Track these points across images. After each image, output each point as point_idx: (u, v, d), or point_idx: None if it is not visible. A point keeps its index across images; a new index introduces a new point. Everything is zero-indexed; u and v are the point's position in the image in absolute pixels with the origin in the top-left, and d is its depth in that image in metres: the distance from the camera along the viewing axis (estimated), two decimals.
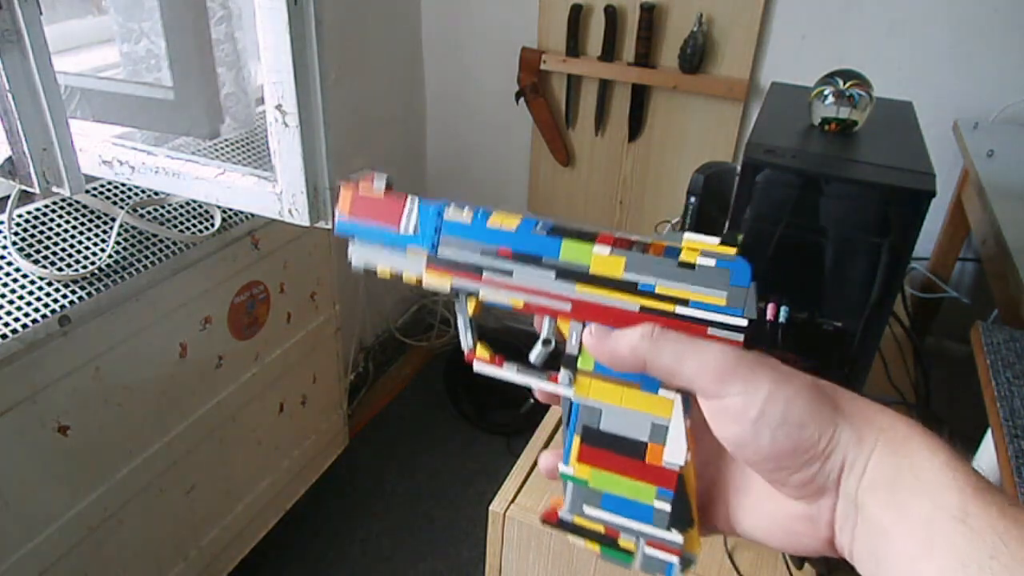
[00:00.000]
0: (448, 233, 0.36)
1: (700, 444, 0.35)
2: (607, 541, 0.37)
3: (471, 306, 0.37)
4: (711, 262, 0.34)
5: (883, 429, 0.30)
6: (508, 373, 0.38)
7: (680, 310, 0.34)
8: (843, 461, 0.30)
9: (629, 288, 0.34)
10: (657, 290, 0.34)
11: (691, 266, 0.34)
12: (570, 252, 0.35)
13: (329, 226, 0.95)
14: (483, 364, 0.38)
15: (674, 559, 0.36)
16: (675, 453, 0.35)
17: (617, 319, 0.35)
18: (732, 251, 0.34)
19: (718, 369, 0.31)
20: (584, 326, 0.35)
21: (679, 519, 0.35)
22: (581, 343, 0.36)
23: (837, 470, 0.30)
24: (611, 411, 0.36)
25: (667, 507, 0.35)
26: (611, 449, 0.36)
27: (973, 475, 0.28)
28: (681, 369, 0.32)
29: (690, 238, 0.34)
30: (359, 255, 0.38)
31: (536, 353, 0.37)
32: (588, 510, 0.37)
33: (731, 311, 0.34)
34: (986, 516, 0.27)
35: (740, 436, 0.31)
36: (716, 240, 0.34)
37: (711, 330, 0.34)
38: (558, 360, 0.37)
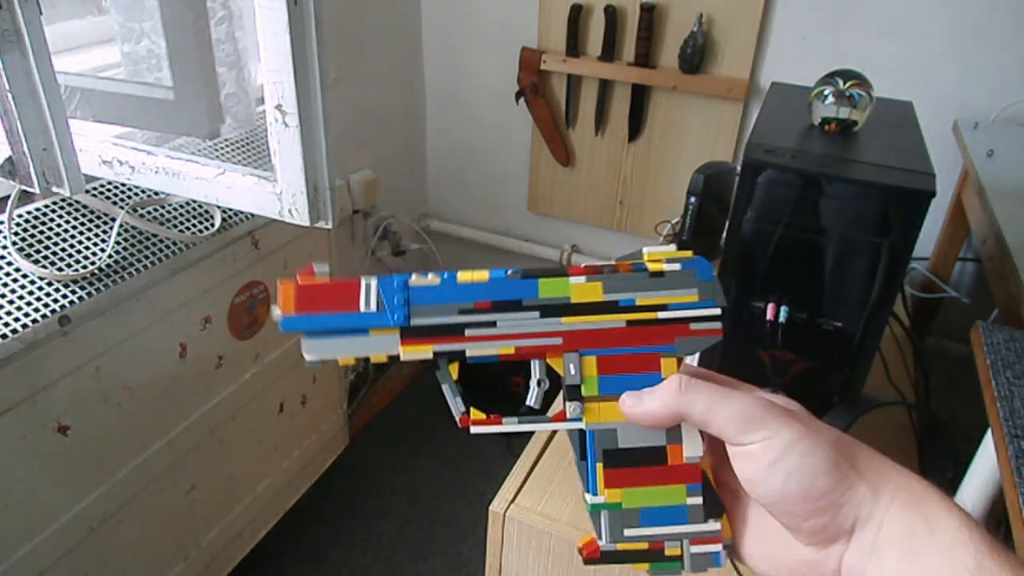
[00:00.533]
0: (418, 301, 0.36)
1: (722, 467, 0.37)
2: (654, 556, 0.37)
3: (453, 371, 0.37)
4: (676, 267, 0.37)
5: (900, 487, 0.32)
6: (510, 427, 0.38)
7: (662, 315, 0.37)
8: (857, 514, 0.32)
9: (611, 308, 0.36)
10: (638, 302, 0.37)
11: (661, 274, 0.37)
12: (548, 288, 0.36)
13: (329, 225, 0.95)
14: (481, 426, 0.38)
15: (718, 547, 0.37)
16: (693, 447, 0.37)
17: (608, 339, 0.36)
18: (689, 253, 0.38)
19: (745, 418, 0.33)
20: (580, 355, 0.36)
21: (712, 508, 0.37)
22: (582, 371, 0.36)
23: (850, 522, 0.32)
24: (625, 428, 0.37)
25: (699, 500, 0.37)
26: (635, 464, 0.37)
27: (987, 535, 0.30)
28: (713, 419, 0.34)
29: (649, 251, 0.38)
30: (315, 349, 0.35)
31: (533, 396, 0.38)
32: (629, 532, 0.37)
33: (705, 304, 0.37)
34: (1000, 574, 0.28)
35: (756, 476, 0.33)
36: (672, 248, 0.38)
37: (695, 325, 0.37)
38: (552, 397, 0.38)
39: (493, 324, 0.36)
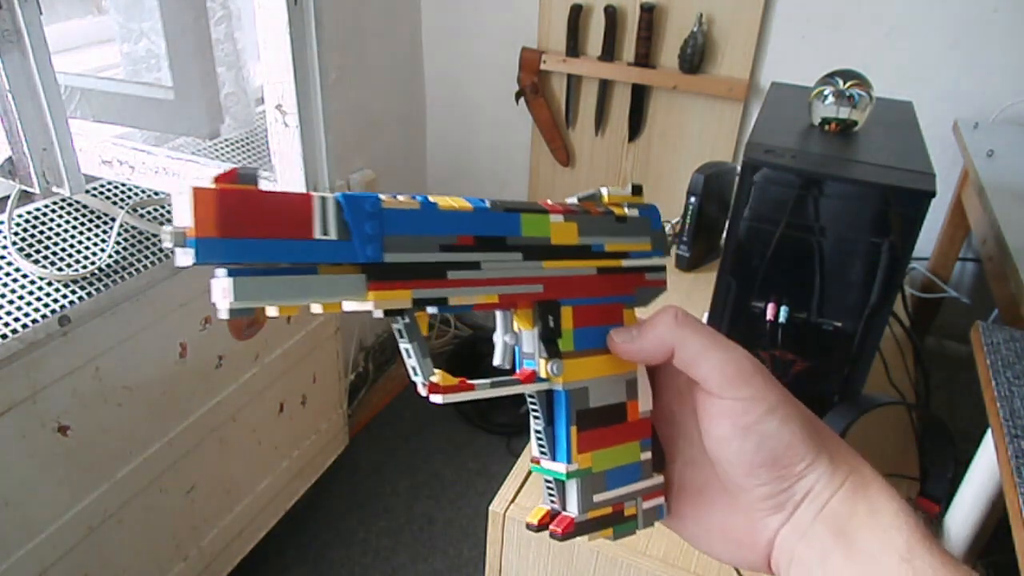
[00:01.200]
0: (394, 229, 0.27)
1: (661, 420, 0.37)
2: (616, 519, 0.35)
3: (424, 323, 0.29)
4: (635, 212, 0.36)
5: (853, 469, 0.32)
6: (482, 392, 0.31)
7: (625, 263, 0.35)
8: (810, 488, 0.32)
9: (585, 253, 0.34)
10: (607, 248, 0.34)
11: (624, 219, 0.35)
12: (531, 226, 0.32)
13: None
14: (448, 394, 0.30)
15: (661, 500, 0.36)
16: (647, 400, 0.35)
17: (582, 288, 0.33)
18: (643, 199, 0.36)
19: (736, 370, 0.32)
20: (553, 305, 0.33)
21: (658, 461, 0.36)
22: (559, 324, 0.33)
23: (802, 494, 0.32)
24: (596, 384, 0.34)
25: (649, 455, 0.35)
26: (602, 424, 0.34)
27: (922, 526, 0.31)
28: (702, 362, 0.32)
29: (609, 192, 0.36)
30: (244, 292, 0.24)
31: (500, 353, 0.34)
32: (598, 498, 0.34)
33: (656, 253, 0.36)
34: (930, 560, 0.29)
35: (728, 433, 0.32)
36: (628, 191, 0.36)
37: (649, 275, 0.36)
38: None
39: (477, 266, 0.30)
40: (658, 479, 0.35)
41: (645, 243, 0.36)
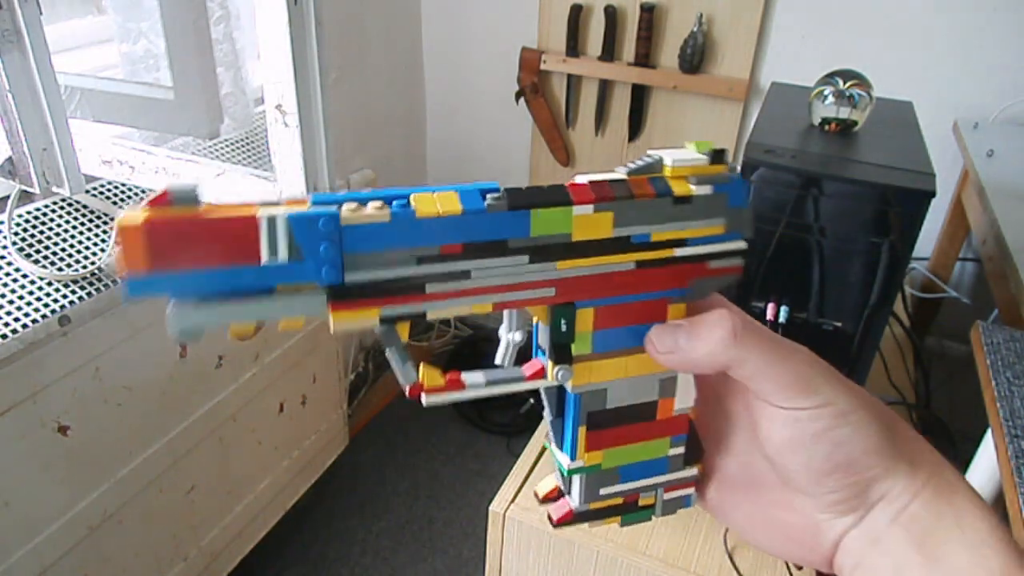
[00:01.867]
0: (358, 247, 0.24)
1: (707, 410, 0.33)
2: (627, 508, 0.33)
3: (404, 331, 0.27)
4: (707, 189, 0.29)
5: (934, 472, 0.29)
6: (475, 391, 0.29)
7: (679, 252, 0.29)
8: (887, 492, 0.29)
9: (621, 246, 0.28)
10: (653, 238, 0.29)
11: (687, 199, 0.29)
12: (544, 223, 0.27)
13: None
14: (437, 395, 0.28)
15: (691, 491, 0.33)
16: (686, 398, 0.32)
17: (611, 285, 0.29)
18: (724, 170, 0.29)
19: (800, 383, 0.29)
20: (574, 307, 0.29)
21: (692, 453, 0.33)
22: (572, 329, 0.29)
23: (877, 497, 0.29)
24: (617, 385, 0.30)
25: (681, 450, 0.33)
26: (621, 423, 0.31)
27: (1018, 546, 0.28)
28: (762, 381, 0.29)
29: (673, 163, 0.29)
30: (186, 319, 0.23)
31: (503, 352, 0.31)
32: (605, 491, 0.32)
33: (730, 237, 0.30)
34: None
35: (794, 442, 0.29)
36: (703, 159, 0.29)
37: (713, 263, 0.30)
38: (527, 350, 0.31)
39: (466, 275, 0.26)
40: (690, 471, 0.33)
41: (716, 225, 0.29)
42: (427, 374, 0.27)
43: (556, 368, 0.29)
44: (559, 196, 0.27)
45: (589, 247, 0.28)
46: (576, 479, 0.32)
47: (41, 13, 0.87)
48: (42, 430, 1.03)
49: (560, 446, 0.31)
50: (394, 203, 0.25)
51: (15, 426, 0.99)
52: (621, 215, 0.28)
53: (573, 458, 0.31)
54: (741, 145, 1.80)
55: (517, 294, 0.27)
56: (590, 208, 0.27)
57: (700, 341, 0.29)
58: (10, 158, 0.96)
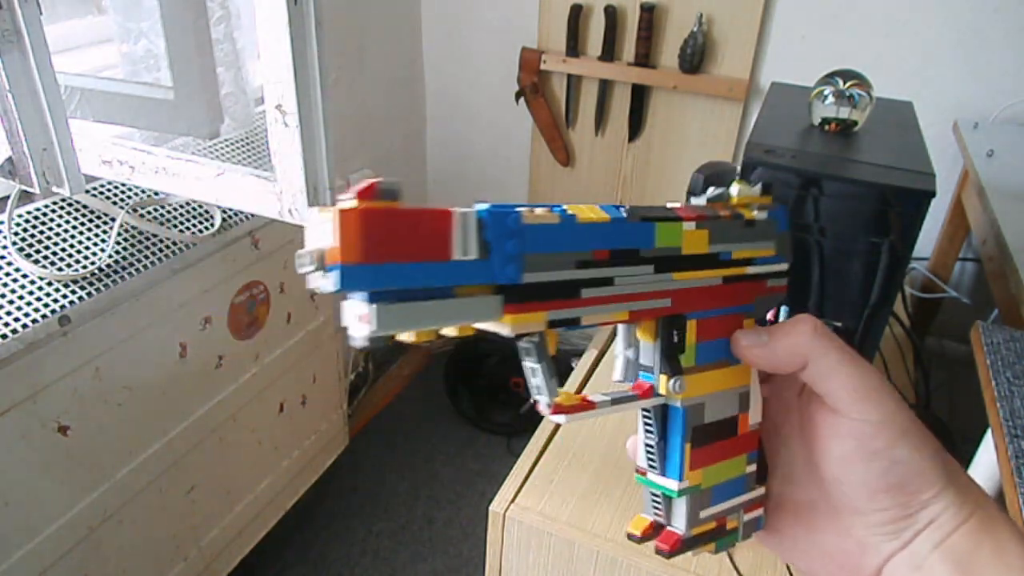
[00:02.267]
0: (534, 247, 0.25)
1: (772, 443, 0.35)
2: (719, 533, 0.33)
3: (552, 342, 0.27)
4: (764, 215, 0.33)
5: (979, 505, 0.30)
6: (603, 410, 0.30)
7: (750, 270, 0.33)
8: (934, 518, 0.30)
9: (713, 262, 0.32)
10: (734, 256, 0.32)
11: (753, 223, 0.33)
12: (665, 235, 0.30)
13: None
14: (573, 413, 0.29)
15: (760, 512, 0.34)
16: (757, 412, 0.34)
17: (707, 299, 0.32)
18: (770, 200, 0.34)
19: (867, 389, 0.30)
20: (679, 319, 0.31)
21: (762, 473, 0.34)
22: (683, 340, 0.31)
23: (924, 523, 0.30)
24: (712, 399, 0.32)
25: (754, 467, 0.34)
26: (714, 439, 0.32)
27: None
28: (833, 378, 0.31)
29: (737, 193, 0.33)
30: (385, 320, 0.22)
31: (623, 370, 0.32)
32: (704, 513, 0.33)
33: (778, 259, 0.34)
34: None
35: (854, 457, 0.30)
36: (756, 191, 0.33)
37: (772, 281, 0.34)
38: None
39: (611, 281, 0.28)
40: (760, 490, 0.34)
41: (770, 248, 0.34)
42: (564, 394, 0.28)
43: (672, 380, 0.30)
44: (670, 213, 0.30)
45: (694, 261, 0.31)
46: (682, 502, 0.32)
47: (41, 13, 0.87)
48: (42, 430, 1.03)
49: (664, 470, 0.32)
50: (558, 209, 0.26)
51: (15, 426, 0.99)
52: (714, 233, 0.31)
53: (681, 478, 0.31)
54: (741, 145, 1.80)
55: (646, 303, 0.29)
56: (693, 224, 0.31)
57: (785, 335, 0.31)
58: (10, 158, 0.96)
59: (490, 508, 0.87)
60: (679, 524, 0.32)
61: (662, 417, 0.32)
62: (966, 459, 0.82)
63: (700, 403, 0.32)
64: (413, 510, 1.86)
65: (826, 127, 0.86)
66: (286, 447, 1.60)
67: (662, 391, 0.31)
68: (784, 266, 0.34)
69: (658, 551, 0.32)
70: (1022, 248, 1.08)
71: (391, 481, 1.93)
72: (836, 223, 0.77)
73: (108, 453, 1.14)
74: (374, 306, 0.22)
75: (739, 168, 0.80)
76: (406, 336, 0.24)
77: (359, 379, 2.16)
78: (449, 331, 0.25)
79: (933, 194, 0.72)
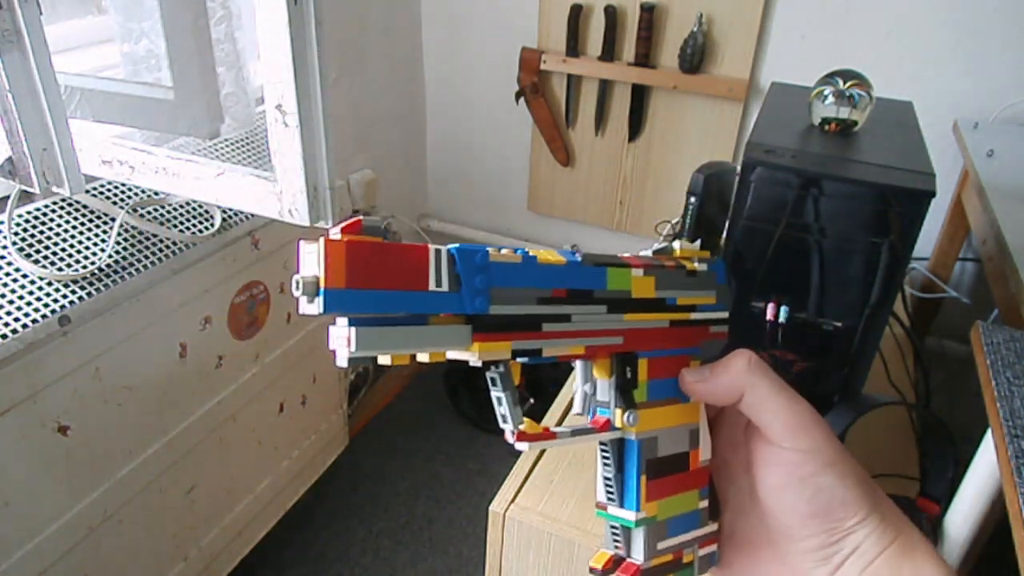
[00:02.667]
0: (500, 282, 0.28)
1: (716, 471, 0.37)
2: (676, 566, 0.35)
3: (516, 372, 0.30)
4: (704, 267, 0.37)
5: (901, 531, 0.32)
6: (563, 440, 0.32)
7: (694, 316, 0.36)
8: (859, 544, 0.32)
9: (660, 306, 0.35)
10: (679, 302, 0.35)
11: (695, 274, 0.36)
12: (615, 279, 0.33)
13: (329, 225, 0.95)
14: (535, 442, 0.31)
15: (714, 547, 0.36)
16: (707, 449, 0.36)
17: (656, 340, 0.35)
18: (708, 254, 0.37)
19: (798, 420, 0.33)
20: (631, 357, 0.34)
21: (714, 509, 0.36)
22: (636, 376, 0.34)
23: (850, 549, 0.32)
24: (664, 434, 0.35)
25: (707, 503, 0.36)
26: (668, 472, 0.35)
27: None
28: (766, 409, 0.33)
29: (679, 247, 0.37)
30: (365, 341, 0.25)
31: (580, 402, 0.35)
32: (661, 545, 0.35)
33: (719, 307, 0.37)
34: None
35: (784, 484, 0.32)
36: (696, 246, 0.37)
37: (714, 328, 0.37)
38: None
39: (568, 318, 0.31)
40: (713, 526, 0.36)
41: (711, 296, 0.37)
42: (528, 423, 0.31)
43: (627, 413, 0.33)
44: (620, 261, 0.34)
45: (643, 304, 0.34)
46: (639, 533, 0.34)
47: (41, 13, 0.87)
48: (42, 430, 1.03)
49: (622, 501, 0.34)
50: (520, 251, 0.30)
51: (15, 426, 0.99)
52: (660, 280, 0.35)
53: (638, 509, 0.34)
54: (741, 145, 1.80)
55: (600, 339, 0.32)
56: (641, 271, 0.34)
57: (724, 369, 0.34)
58: (10, 158, 0.96)
59: (490, 508, 0.87)
60: (638, 555, 0.34)
61: (619, 451, 0.34)
62: (966, 459, 0.82)
63: (653, 436, 0.34)
64: (413, 510, 1.86)
65: (826, 127, 0.86)
66: (286, 447, 1.60)
67: (618, 424, 0.33)
68: (724, 314, 0.37)
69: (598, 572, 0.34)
70: (1022, 248, 1.08)
71: (391, 481, 1.94)
72: (836, 223, 0.77)
73: (108, 453, 1.14)
74: (354, 329, 0.25)
75: (739, 168, 0.80)
76: (384, 359, 0.27)
77: (359, 379, 2.16)
78: (423, 357, 0.27)
79: (933, 194, 0.72)
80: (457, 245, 0.28)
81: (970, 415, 0.92)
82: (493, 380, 0.30)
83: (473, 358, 0.28)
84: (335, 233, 0.25)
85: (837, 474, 0.32)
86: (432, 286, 0.26)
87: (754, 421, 0.34)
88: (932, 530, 0.85)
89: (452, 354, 0.28)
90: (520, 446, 0.30)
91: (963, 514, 0.82)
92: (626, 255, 0.35)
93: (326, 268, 0.24)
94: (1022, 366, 0.78)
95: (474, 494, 1.91)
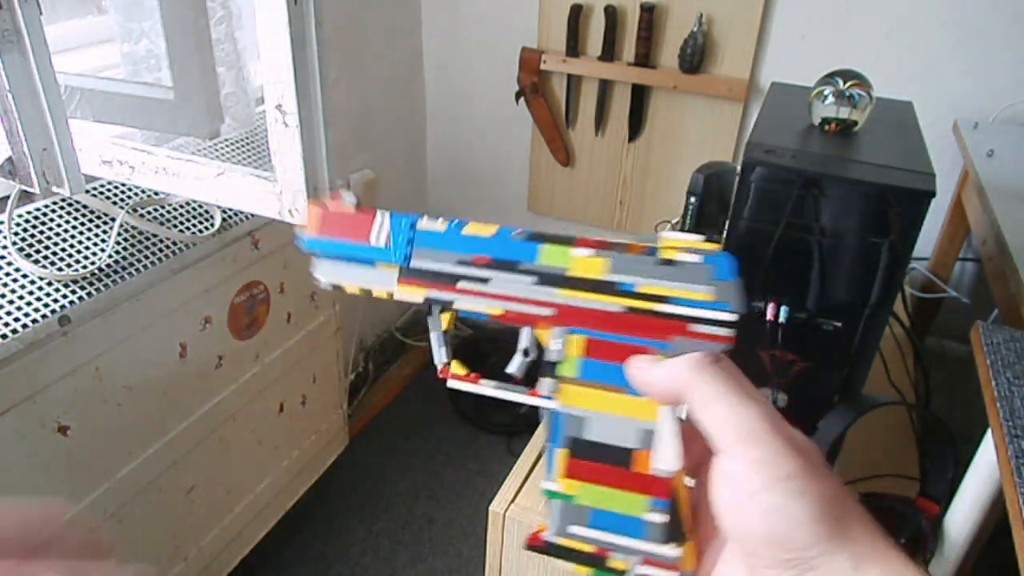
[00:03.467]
0: (421, 244, 0.36)
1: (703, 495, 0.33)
2: (595, 562, 0.34)
3: (445, 320, 0.37)
4: (695, 258, 0.33)
5: (886, 569, 0.27)
6: (486, 389, 0.37)
7: (659, 307, 0.33)
8: None
9: (609, 289, 0.34)
10: (637, 289, 0.34)
11: (671, 262, 0.33)
12: (548, 256, 0.34)
13: None
14: (458, 381, 0.37)
15: (675, 575, 0.33)
16: (664, 459, 0.33)
17: (604, 322, 0.34)
18: (715, 247, 0.34)
19: (746, 428, 0.28)
20: (569, 331, 0.34)
21: (673, 531, 0.33)
22: (565, 349, 0.34)
23: None
24: (596, 419, 0.34)
25: (662, 519, 0.33)
26: (598, 460, 0.34)
27: None
28: (708, 415, 0.29)
29: (669, 237, 0.34)
30: (327, 272, 0.37)
31: (516, 364, 0.36)
32: (575, 529, 0.34)
33: (718, 306, 0.33)
34: None
35: (731, 500, 0.29)
36: (698, 238, 0.34)
37: (694, 326, 0.33)
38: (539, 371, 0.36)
39: (486, 281, 0.35)
40: (670, 551, 0.33)
41: (703, 292, 0.33)
42: (456, 363, 0.37)
43: (544, 380, 0.35)
44: (565, 239, 0.35)
45: (583, 283, 0.34)
46: (555, 506, 0.35)
47: (41, 13, 0.87)
48: (42, 430, 1.03)
49: (548, 470, 0.35)
50: (453, 223, 0.36)
51: (15, 426, 0.99)
52: (615, 263, 0.34)
53: (550, 478, 0.35)
54: (741, 145, 1.81)
55: (522, 306, 0.35)
56: (589, 251, 0.34)
57: (669, 363, 0.31)
58: (10, 158, 0.96)
59: (490, 508, 0.87)
60: (550, 525, 0.35)
61: (550, 421, 0.35)
62: (966, 459, 0.82)
63: (581, 416, 0.34)
64: (413, 510, 1.86)
65: (826, 127, 0.86)
66: (286, 447, 1.60)
67: (540, 390, 0.35)
68: (726, 315, 0.33)
69: (526, 542, 0.36)
70: (1022, 248, 1.08)
71: (391, 481, 1.93)
72: (836, 223, 0.77)
73: (108, 453, 1.14)
74: (320, 260, 0.37)
75: (739, 168, 0.80)
76: (347, 288, 0.37)
77: (359, 379, 2.16)
78: (378, 294, 0.36)
79: (933, 194, 0.72)
80: (399, 213, 0.36)
81: (970, 415, 0.92)
82: (428, 322, 0.37)
83: (397, 296, 0.36)
84: (327, 200, 0.37)
85: (790, 491, 0.27)
86: (373, 241, 0.36)
87: (700, 429, 0.30)
88: (932, 530, 0.85)
89: (398, 295, 0.36)
90: (448, 382, 0.37)
91: (963, 514, 0.82)
92: (590, 238, 0.34)
93: (308, 222, 0.37)
94: (1022, 366, 0.78)
95: (474, 494, 1.91)
